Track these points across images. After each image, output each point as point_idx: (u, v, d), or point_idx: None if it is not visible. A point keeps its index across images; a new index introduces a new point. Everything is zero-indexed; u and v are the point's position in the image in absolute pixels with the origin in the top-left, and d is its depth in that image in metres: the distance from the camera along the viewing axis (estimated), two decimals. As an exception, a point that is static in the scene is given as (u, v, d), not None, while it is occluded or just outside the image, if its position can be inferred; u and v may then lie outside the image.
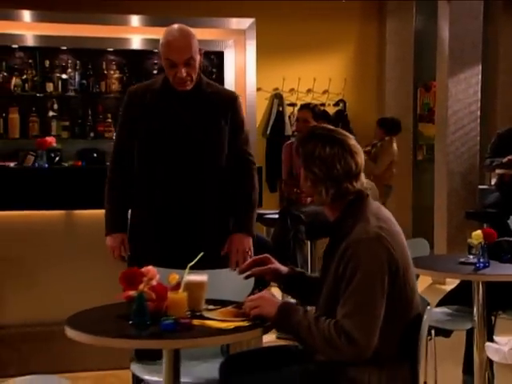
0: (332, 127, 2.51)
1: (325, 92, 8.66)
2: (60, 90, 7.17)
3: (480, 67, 7.09)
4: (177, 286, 2.48)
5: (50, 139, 4.62)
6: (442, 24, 7.14)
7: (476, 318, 3.61)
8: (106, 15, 7.06)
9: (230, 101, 3.36)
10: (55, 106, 7.18)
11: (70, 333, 2.40)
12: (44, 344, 4.41)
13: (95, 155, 6.96)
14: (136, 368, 2.93)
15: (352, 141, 2.42)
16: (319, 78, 8.58)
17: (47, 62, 7.15)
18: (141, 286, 2.38)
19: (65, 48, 7.23)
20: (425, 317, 2.33)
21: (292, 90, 8.59)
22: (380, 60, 8.82)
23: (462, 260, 3.66)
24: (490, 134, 7.64)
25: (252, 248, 3.39)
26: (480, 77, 7.12)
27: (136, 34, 7.22)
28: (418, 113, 9.04)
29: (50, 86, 7.12)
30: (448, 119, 7.00)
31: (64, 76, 7.19)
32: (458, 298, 3.98)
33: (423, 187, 8.74)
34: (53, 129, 7.11)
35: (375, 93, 8.87)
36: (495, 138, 6.52)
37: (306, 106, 5.32)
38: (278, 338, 4.77)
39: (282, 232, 4.64)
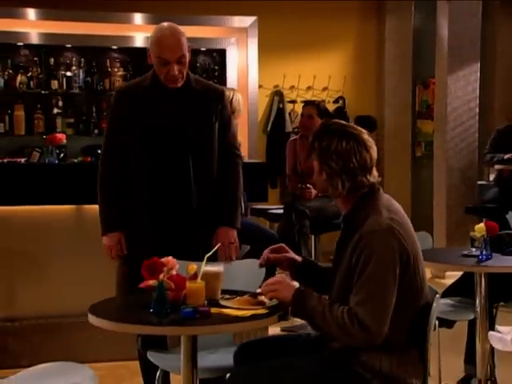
0: (346, 123, 2.61)
1: (325, 89, 8.77)
2: (65, 87, 7.27)
3: (478, 65, 7.20)
4: (194, 276, 2.59)
5: (60, 136, 4.73)
6: (442, 22, 7.24)
7: (478, 309, 3.72)
8: (110, 13, 7.15)
9: (219, 96, 3.42)
10: (60, 103, 7.28)
11: (94, 320, 2.50)
12: (55, 335, 4.52)
13: (99, 151, 7.02)
14: (152, 356, 3.02)
15: (366, 135, 2.52)
16: (319, 76, 8.69)
17: (52, 60, 7.25)
18: (161, 276, 2.48)
19: (69, 46, 7.32)
20: (434, 305, 2.44)
21: (292, 87, 8.69)
22: (379, 58, 8.92)
23: (465, 253, 3.76)
24: (488, 131, 7.75)
25: (237, 240, 3.45)
26: (478, 74, 7.23)
27: (139, 31, 7.30)
28: (416, 110, 9.14)
29: (54, 84, 7.21)
30: (447, 116, 7.10)
31: (68, 73, 7.29)
32: (461, 290, 4.08)
33: (422, 183, 8.85)
34: (58, 126, 7.20)
35: (374, 90, 8.98)
36: (495, 134, 6.64)
37: (311, 103, 5.42)
38: (282, 330, 4.87)
39: (287, 226, 4.74)
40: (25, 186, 4.47)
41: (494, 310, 4.00)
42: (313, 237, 5.00)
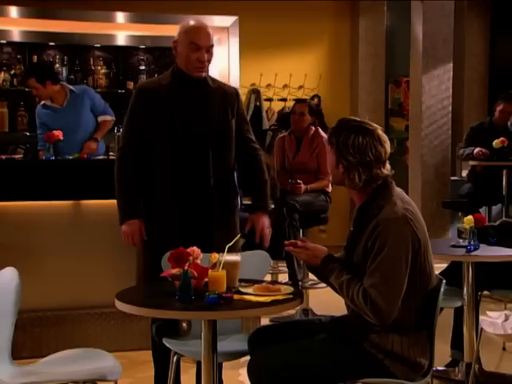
0: (362, 119, 2.79)
1: (300, 87, 8.96)
2: (48, 84, 7.30)
3: (451, 64, 7.47)
4: (213, 266, 2.75)
5: (58, 133, 4.81)
6: (416, 23, 7.49)
7: (466, 297, 3.94)
8: (93, 12, 7.18)
9: (234, 94, 3.63)
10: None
11: (122, 306, 2.63)
12: (54, 328, 4.63)
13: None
14: (169, 342, 3.18)
15: (380, 131, 2.72)
16: (295, 74, 8.88)
17: (35, 58, 7.30)
18: (185, 266, 2.64)
19: (52, 44, 7.39)
20: (442, 289, 2.64)
21: (269, 85, 8.87)
22: (353, 57, 9.14)
23: (453, 243, 3.98)
24: (459, 128, 8.04)
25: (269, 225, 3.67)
26: (451, 73, 7.49)
27: (122, 30, 7.40)
28: (389, 107, 9.38)
29: (38, 81, 7.25)
30: (422, 114, 7.36)
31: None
32: (448, 279, 4.30)
33: (395, 179, 9.07)
34: (41, 123, 7.24)
35: (348, 88, 9.20)
36: (469, 131, 6.90)
37: (302, 100, 5.60)
38: (270, 320, 5.04)
39: (278, 220, 4.90)
40: (22, 181, 4.57)
41: (478, 298, 4.22)
42: (301, 230, 5.18)
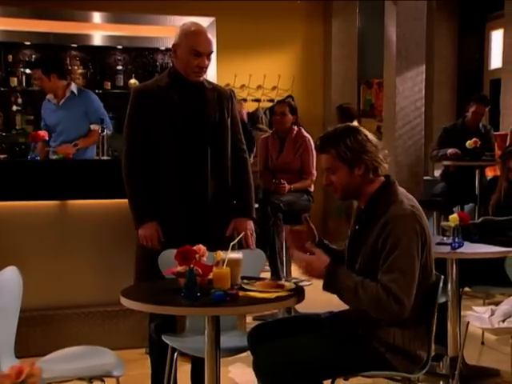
0: (342, 124, 2.92)
1: (274, 88, 9.06)
2: (24, 84, 7.32)
3: (424, 66, 7.60)
4: (216, 263, 2.81)
5: (43, 133, 4.83)
6: (389, 25, 7.60)
7: (450, 293, 4.04)
8: (70, 11, 7.21)
9: (229, 96, 3.70)
10: (19, 101, 7.32)
11: (129, 304, 2.69)
12: (41, 328, 4.63)
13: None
14: (168, 339, 3.22)
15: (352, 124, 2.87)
16: (269, 75, 8.97)
17: (10, 57, 7.28)
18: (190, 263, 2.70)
19: (28, 43, 7.36)
20: (441, 284, 2.74)
21: (243, 86, 8.94)
22: (326, 58, 9.27)
23: (438, 241, 4.08)
24: (429, 129, 8.19)
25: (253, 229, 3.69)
26: (424, 75, 7.63)
27: (99, 30, 7.41)
28: (361, 108, 9.52)
29: (13, 81, 7.26)
30: (396, 115, 7.47)
31: (28, 71, 7.31)
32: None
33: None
34: (17, 123, 7.25)
35: (321, 89, 9.32)
36: (442, 132, 7.05)
37: (282, 101, 5.67)
38: (254, 319, 5.11)
39: (262, 220, 4.97)
40: (7, 181, 4.55)
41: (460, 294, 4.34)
42: (283, 228, 5.26)
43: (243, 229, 3.62)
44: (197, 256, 2.72)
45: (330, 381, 2.78)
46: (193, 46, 3.43)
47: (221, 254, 2.79)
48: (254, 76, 8.91)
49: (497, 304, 4.00)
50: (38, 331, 4.62)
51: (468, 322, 3.74)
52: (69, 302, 4.70)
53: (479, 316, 3.60)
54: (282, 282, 2.84)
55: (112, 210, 4.69)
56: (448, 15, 9.69)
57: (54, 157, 4.92)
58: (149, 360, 3.73)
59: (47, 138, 4.82)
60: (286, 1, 8.88)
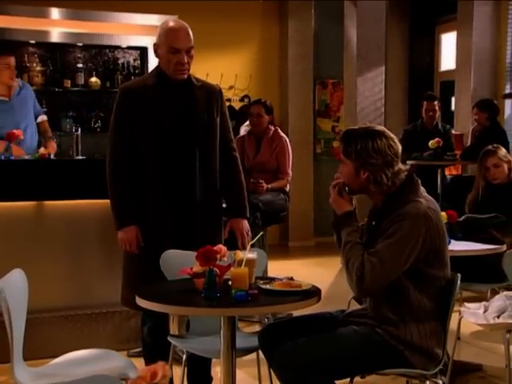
0: (365, 125, 2.92)
1: (231, 88, 9.03)
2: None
3: (384, 67, 7.74)
4: (233, 263, 2.79)
5: (18, 132, 4.69)
6: (349, 25, 7.71)
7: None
8: (26, 7, 7.00)
9: (218, 93, 3.65)
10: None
11: (148, 305, 2.62)
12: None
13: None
14: (175, 340, 3.18)
15: (387, 130, 2.86)
16: (226, 74, 8.93)
17: (-35, 54, 7.02)
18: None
19: (-16, 40, 7.13)
20: (458, 282, 2.78)
21: (200, 85, 8.86)
22: (282, 57, 9.28)
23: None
24: (389, 129, 8.27)
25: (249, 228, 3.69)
26: (384, 76, 7.76)
27: (57, 27, 7.23)
28: (316, 109, 9.57)
29: (-31, 77, 6.99)
30: (357, 115, 7.58)
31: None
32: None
33: (322, 177, 9.35)
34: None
35: (278, 89, 9.34)
36: (403, 134, 7.13)
37: (258, 101, 5.63)
38: (239, 319, 5.08)
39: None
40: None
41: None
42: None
43: (239, 229, 3.63)
44: (218, 256, 2.69)
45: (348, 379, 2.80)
46: (170, 43, 3.39)
47: (240, 254, 2.77)
48: (211, 75, 8.80)
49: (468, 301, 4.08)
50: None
51: (460, 318, 3.80)
52: (47, 306, 4.57)
53: (473, 312, 3.67)
54: (298, 281, 2.83)
55: (91, 210, 4.61)
56: (399, 17, 9.82)
57: (27, 157, 4.78)
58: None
59: (22, 138, 4.67)
60: (242, 1, 8.87)
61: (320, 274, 7.04)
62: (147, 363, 3.60)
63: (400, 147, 2.85)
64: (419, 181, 2.89)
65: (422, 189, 2.88)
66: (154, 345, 3.52)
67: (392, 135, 2.86)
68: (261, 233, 2.83)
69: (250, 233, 3.67)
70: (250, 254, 2.82)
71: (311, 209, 9.23)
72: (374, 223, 2.88)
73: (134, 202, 3.46)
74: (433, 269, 2.76)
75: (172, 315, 3.97)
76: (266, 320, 4.99)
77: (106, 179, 3.50)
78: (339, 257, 7.90)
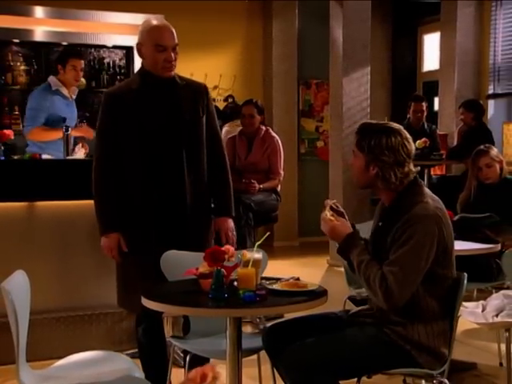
0: (382, 122, 2.90)
1: (215, 87, 9.00)
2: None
3: (369, 67, 7.74)
4: (236, 265, 2.77)
5: (8, 132, 4.62)
6: (335, 26, 7.70)
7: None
8: (9, 6, 6.91)
9: (204, 90, 3.61)
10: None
11: (155, 306, 2.60)
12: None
13: (2, 148, 6.82)
14: (177, 341, 3.16)
15: (403, 129, 2.83)
16: (210, 74, 8.89)
17: None
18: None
19: (-33, 38, 7.04)
20: (465, 282, 2.78)
21: (184, 85, 8.83)
22: (266, 58, 9.29)
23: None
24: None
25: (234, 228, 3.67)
26: (369, 76, 7.77)
27: (42, 25, 7.16)
28: (300, 109, 9.57)
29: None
30: (343, 115, 7.58)
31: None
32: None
33: (306, 177, 9.37)
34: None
35: (262, 89, 9.33)
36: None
37: (249, 102, 5.61)
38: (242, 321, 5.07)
39: (235, 219, 4.92)
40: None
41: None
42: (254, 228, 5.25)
43: (225, 228, 3.60)
44: (226, 257, 2.67)
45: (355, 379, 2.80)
46: (156, 41, 3.37)
47: (247, 255, 2.75)
48: (195, 75, 8.66)
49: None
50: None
51: (459, 317, 3.80)
52: (38, 308, 4.50)
53: (472, 311, 3.68)
54: (304, 281, 2.82)
55: (82, 211, 4.53)
56: (382, 17, 9.89)
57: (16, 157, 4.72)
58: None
59: (12, 137, 4.61)
60: (226, 1, 8.85)
61: (307, 274, 6.93)
62: (143, 364, 3.58)
63: (414, 148, 2.85)
64: (423, 182, 2.91)
65: (427, 190, 2.88)
66: (149, 345, 3.50)
67: (408, 135, 2.85)
68: (267, 233, 2.81)
69: (234, 232, 3.65)
70: (256, 255, 2.81)
71: (295, 209, 9.24)
72: (380, 224, 2.87)
73: (117, 208, 3.43)
74: (442, 268, 2.77)
75: (166, 317, 3.96)
76: (257, 320, 5.00)
77: (92, 185, 3.48)
78: (324, 256, 8.03)
